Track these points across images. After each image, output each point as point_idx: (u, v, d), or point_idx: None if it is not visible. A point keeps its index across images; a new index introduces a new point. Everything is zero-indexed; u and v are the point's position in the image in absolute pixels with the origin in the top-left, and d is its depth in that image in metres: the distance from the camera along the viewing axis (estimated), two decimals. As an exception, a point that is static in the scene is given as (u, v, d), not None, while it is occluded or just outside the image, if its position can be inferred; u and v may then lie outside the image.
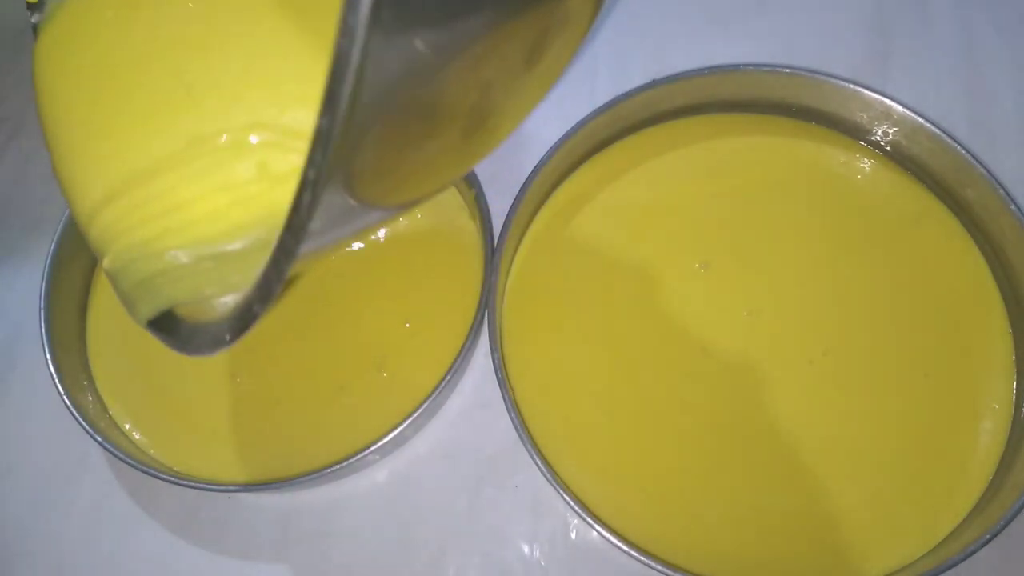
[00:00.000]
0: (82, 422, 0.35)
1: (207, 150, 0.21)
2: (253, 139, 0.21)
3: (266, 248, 0.17)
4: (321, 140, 0.14)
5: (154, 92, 0.22)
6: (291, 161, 0.21)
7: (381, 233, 0.40)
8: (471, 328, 0.36)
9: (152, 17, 0.23)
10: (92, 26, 0.24)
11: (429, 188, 0.22)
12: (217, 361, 0.39)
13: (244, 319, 0.19)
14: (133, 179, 0.22)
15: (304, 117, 0.21)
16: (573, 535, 0.36)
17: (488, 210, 0.39)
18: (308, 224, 0.16)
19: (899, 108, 0.37)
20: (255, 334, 0.40)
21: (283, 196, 0.17)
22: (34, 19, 0.25)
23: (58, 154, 0.24)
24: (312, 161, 0.15)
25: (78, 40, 0.24)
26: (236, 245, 0.22)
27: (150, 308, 0.23)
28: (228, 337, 0.19)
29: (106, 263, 0.23)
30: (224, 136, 0.21)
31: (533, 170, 0.37)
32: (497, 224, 0.37)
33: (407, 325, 0.39)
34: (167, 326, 0.23)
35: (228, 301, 0.21)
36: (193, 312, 0.23)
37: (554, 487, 0.32)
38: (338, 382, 0.38)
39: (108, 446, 0.35)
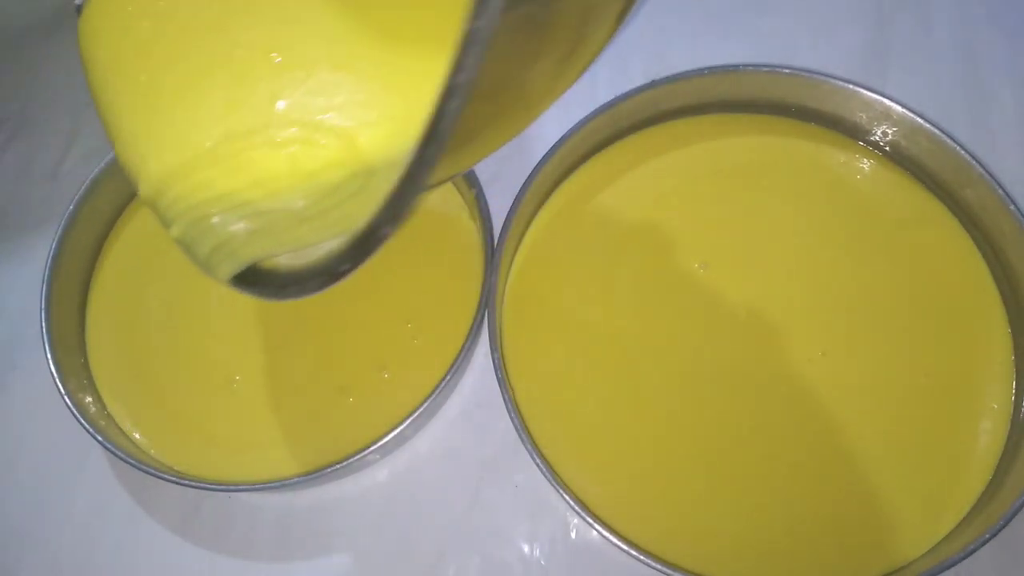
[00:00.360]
0: (82, 422, 0.35)
1: (277, 120, 0.22)
2: (323, 117, 0.22)
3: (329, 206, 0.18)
4: (475, 43, 0.14)
5: (228, 62, 0.22)
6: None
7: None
8: (471, 328, 0.36)
9: None
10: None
11: (523, 118, 0.22)
12: (216, 362, 0.39)
13: (369, 243, 0.18)
14: (204, 152, 0.22)
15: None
16: (573, 535, 0.36)
17: (488, 210, 0.39)
18: (452, 131, 0.15)
19: (898, 108, 0.37)
20: (255, 335, 0.40)
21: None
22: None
23: (120, 127, 0.24)
24: (462, 66, 0.14)
25: (138, 10, 0.24)
26: (300, 203, 0.21)
27: (231, 268, 0.22)
28: (347, 266, 0.19)
29: (175, 233, 0.23)
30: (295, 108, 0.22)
31: (533, 170, 0.37)
32: (497, 224, 0.37)
33: (408, 325, 0.39)
34: (253, 279, 0.22)
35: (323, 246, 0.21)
36: (282, 261, 0.22)
37: (554, 487, 0.32)
38: (339, 383, 0.38)
39: (108, 446, 0.35)
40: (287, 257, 0.22)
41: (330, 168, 0.22)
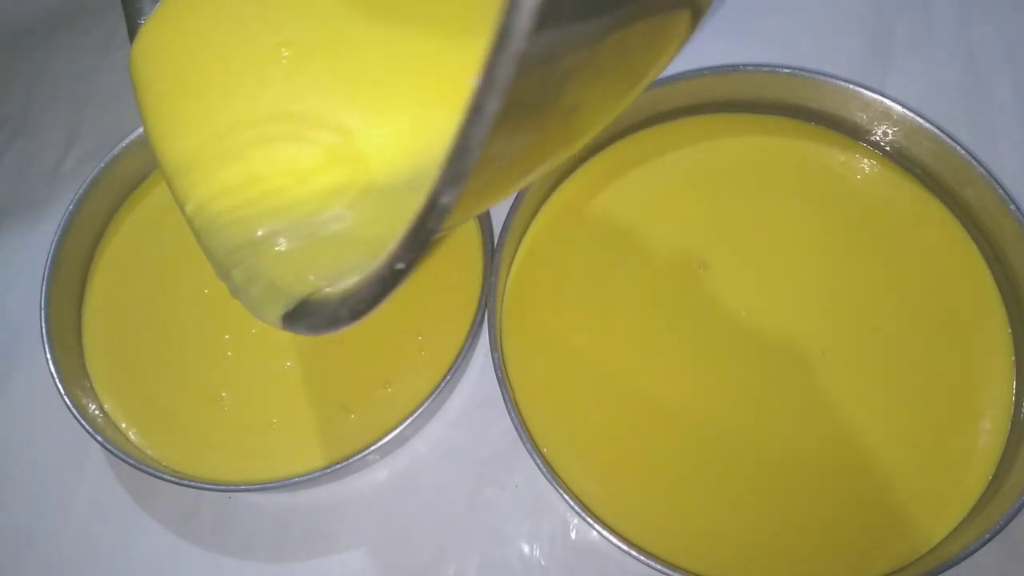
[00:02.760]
0: (82, 422, 0.35)
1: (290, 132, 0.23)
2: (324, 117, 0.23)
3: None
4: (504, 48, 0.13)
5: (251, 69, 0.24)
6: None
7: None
8: (471, 327, 0.36)
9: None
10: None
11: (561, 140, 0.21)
12: (212, 371, 0.39)
13: (434, 218, 0.16)
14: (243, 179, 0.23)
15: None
16: (573, 535, 0.36)
17: (488, 210, 0.39)
18: (482, 147, 0.14)
19: (899, 108, 0.37)
20: (254, 343, 0.40)
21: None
22: (141, 20, 0.26)
23: (169, 155, 0.25)
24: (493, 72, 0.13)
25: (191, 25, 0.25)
26: (332, 213, 0.22)
27: (278, 308, 0.22)
28: (404, 265, 0.17)
29: (217, 263, 0.23)
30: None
31: (533, 170, 0.37)
32: (497, 224, 0.37)
33: (419, 337, 0.38)
34: (305, 312, 0.21)
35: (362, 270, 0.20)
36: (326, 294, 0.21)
37: (554, 487, 0.32)
38: (340, 400, 0.38)
39: (108, 446, 0.35)
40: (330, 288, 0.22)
41: (326, 168, 0.22)
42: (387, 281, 0.17)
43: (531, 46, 0.13)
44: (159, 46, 0.25)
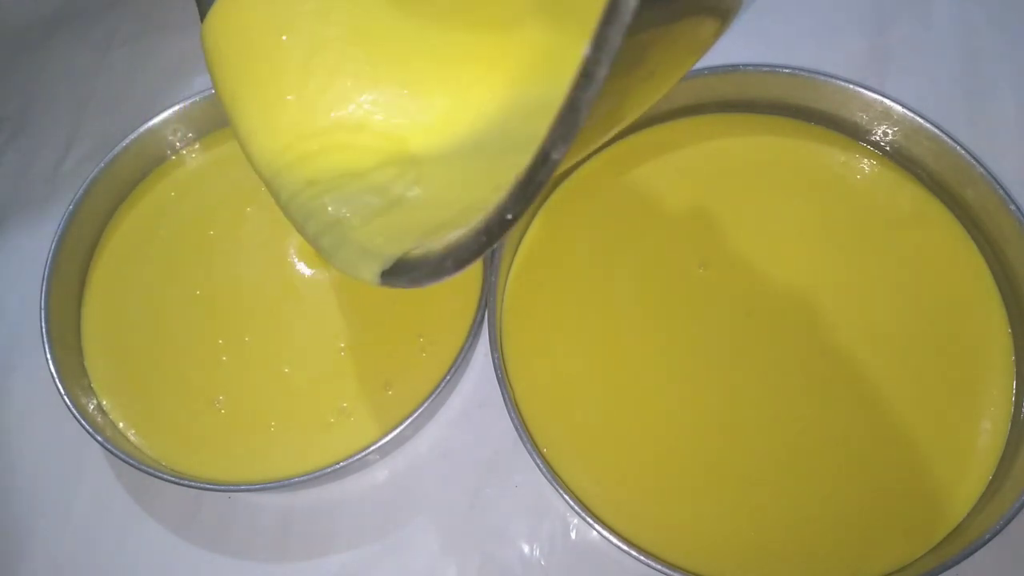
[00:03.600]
0: (82, 422, 0.35)
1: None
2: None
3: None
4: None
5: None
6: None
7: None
8: (471, 328, 0.36)
9: None
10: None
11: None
12: (210, 374, 0.39)
13: (544, 171, 0.18)
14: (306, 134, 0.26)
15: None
16: (573, 535, 0.36)
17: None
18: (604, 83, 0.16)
19: (899, 108, 0.37)
20: (255, 344, 0.40)
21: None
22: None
23: (239, 112, 0.27)
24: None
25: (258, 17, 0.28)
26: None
27: (375, 267, 0.24)
28: (511, 216, 0.18)
29: (312, 230, 0.25)
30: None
31: (533, 170, 0.37)
32: (497, 224, 0.37)
33: (420, 339, 0.38)
34: (406, 268, 0.23)
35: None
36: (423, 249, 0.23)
37: (554, 487, 0.32)
38: (339, 405, 0.37)
39: (108, 446, 0.35)
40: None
41: (403, 142, 0.26)
42: (494, 231, 0.19)
43: (635, 20, 0.15)
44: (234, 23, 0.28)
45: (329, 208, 0.25)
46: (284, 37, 0.27)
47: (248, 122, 0.27)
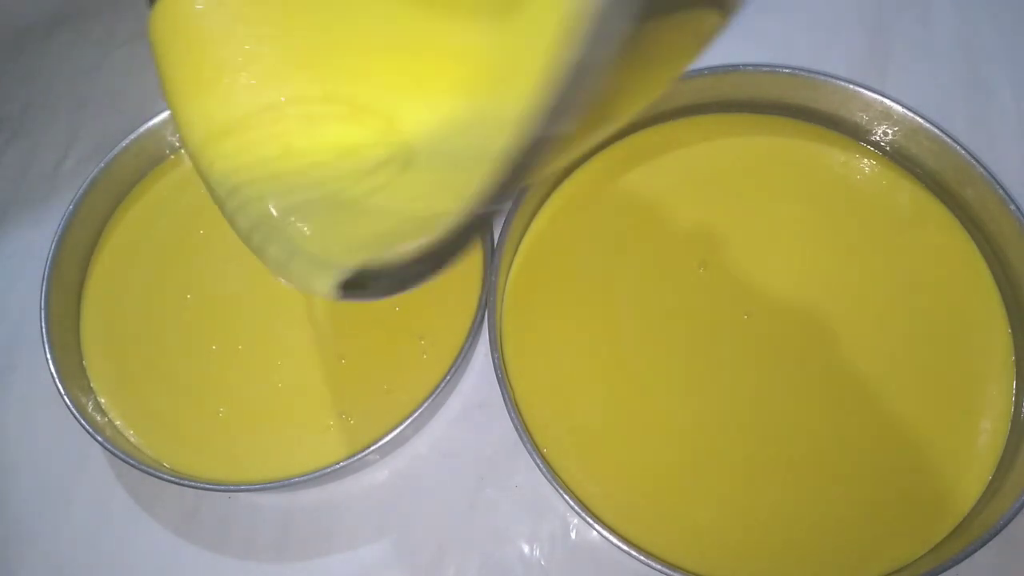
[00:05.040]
0: (82, 422, 0.35)
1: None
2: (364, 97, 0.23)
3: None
4: None
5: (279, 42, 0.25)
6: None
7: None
8: (471, 328, 0.36)
9: None
10: None
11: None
12: (210, 374, 0.39)
13: (511, 179, 0.17)
14: (237, 120, 0.24)
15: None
16: (573, 535, 0.36)
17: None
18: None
19: (899, 108, 0.37)
20: (254, 346, 0.40)
21: None
22: None
23: (176, 103, 0.25)
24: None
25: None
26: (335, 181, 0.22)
27: (329, 279, 0.22)
28: (483, 215, 0.18)
29: (243, 225, 0.23)
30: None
31: (533, 170, 0.37)
32: (497, 224, 0.37)
33: (421, 341, 0.38)
34: (370, 278, 0.21)
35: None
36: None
37: (554, 487, 0.32)
38: (340, 408, 0.38)
39: (108, 446, 0.35)
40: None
41: (368, 147, 0.22)
42: (473, 227, 0.18)
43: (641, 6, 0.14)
44: (183, 10, 0.26)
45: (275, 213, 0.22)
46: (227, 26, 0.25)
47: (184, 113, 0.25)
